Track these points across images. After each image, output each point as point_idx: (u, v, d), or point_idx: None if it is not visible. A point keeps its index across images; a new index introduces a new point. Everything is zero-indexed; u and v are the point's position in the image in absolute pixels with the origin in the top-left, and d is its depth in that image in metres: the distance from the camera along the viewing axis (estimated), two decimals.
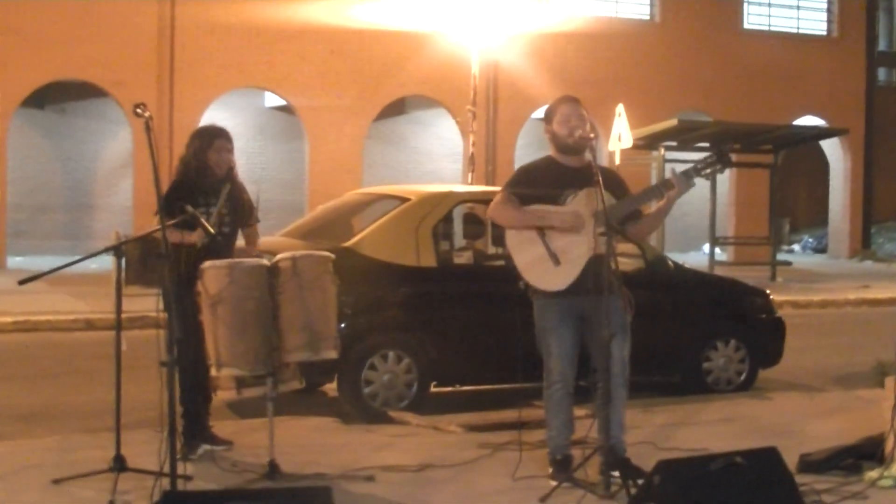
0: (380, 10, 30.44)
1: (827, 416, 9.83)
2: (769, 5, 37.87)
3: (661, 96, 32.73)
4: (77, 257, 8.15)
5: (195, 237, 7.80)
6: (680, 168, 7.62)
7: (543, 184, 7.37)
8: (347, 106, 30.90)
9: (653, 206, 7.53)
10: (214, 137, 8.30)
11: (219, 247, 7.99)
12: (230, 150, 8.34)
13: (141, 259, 8.12)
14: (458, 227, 12.01)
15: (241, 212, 8.41)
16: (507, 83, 31.80)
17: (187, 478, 6.83)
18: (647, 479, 6.14)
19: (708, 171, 7.57)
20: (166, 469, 6.12)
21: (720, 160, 7.70)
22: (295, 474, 7.35)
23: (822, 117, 36.94)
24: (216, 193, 8.18)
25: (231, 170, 8.35)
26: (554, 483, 7.10)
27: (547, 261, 7.21)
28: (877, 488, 7.17)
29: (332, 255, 7.58)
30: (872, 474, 7.38)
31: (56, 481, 7.20)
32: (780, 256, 30.21)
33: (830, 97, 37.64)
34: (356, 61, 30.60)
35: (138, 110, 6.47)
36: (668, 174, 7.68)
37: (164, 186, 7.29)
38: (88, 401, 9.98)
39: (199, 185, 8.15)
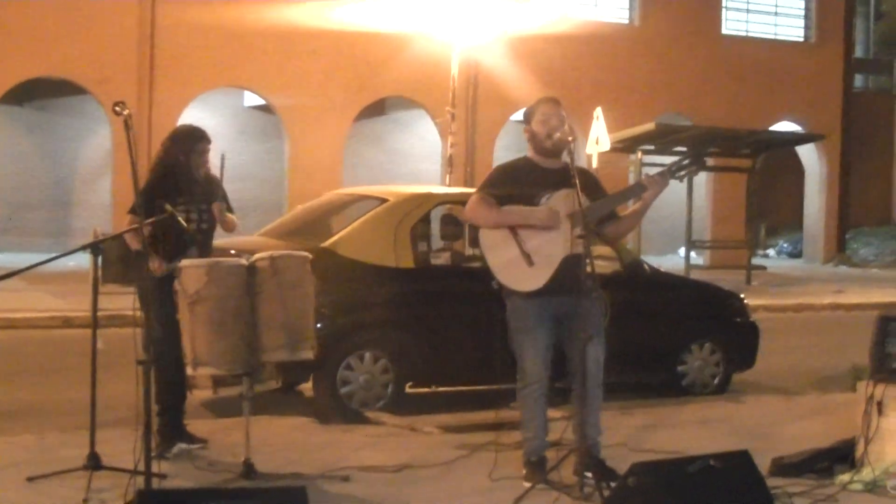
0: (360, 11, 30.43)
1: (801, 418, 9.88)
2: (748, 11, 38.08)
3: (639, 100, 32.82)
4: (54, 255, 8.13)
5: (155, 265, 7.77)
6: (654, 172, 7.64)
7: (520, 184, 7.36)
8: (327, 106, 30.90)
9: (629, 208, 7.55)
10: (196, 141, 8.30)
11: (198, 244, 8.00)
12: (208, 153, 8.34)
13: (120, 257, 8.09)
14: (436, 228, 12.02)
15: (220, 200, 8.39)
16: (487, 85, 31.84)
17: (162, 476, 6.84)
18: (621, 481, 6.15)
19: (683, 172, 7.60)
20: (141, 467, 6.11)
21: (695, 162, 7.76)
22: (271, 474, 7.34)
23: (799, 122, 37.14)
24: (193, 193, 8.18)
25: (208, 171, 8.36)
26: (528, 484, 7.12)
27: (521, 261, 7.21)
28: (848, 492, 7.22)
29: (311, 256, 7.58)
30: (844, 478, 7.43)
31: (31, 479, 7.17)
32: (756, 261, 30.34)
33: (808, 102, 37.83)
34: (336, 62, 30.62)
35: (118, 108, 6.46)
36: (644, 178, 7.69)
37: (143, 183, 7.29)
38: (65, 399, 9.96)
39: (179, 185, 8.14)
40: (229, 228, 8.47)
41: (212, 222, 8.32)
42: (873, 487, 7.27)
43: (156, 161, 8.34)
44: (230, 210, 8.50)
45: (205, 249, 8.06)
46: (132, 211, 7.63)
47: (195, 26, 28.95)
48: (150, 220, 7.43)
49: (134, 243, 7.63)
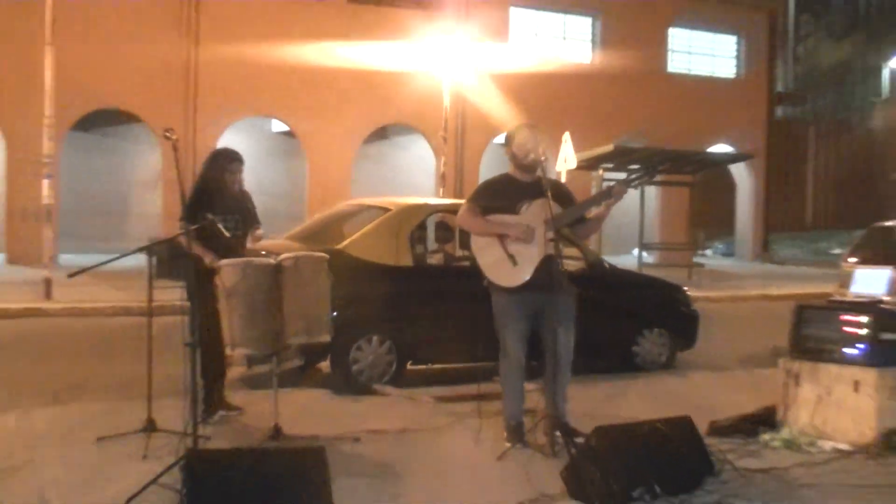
0: (368, 53, 30.46)
1: (732, 390, 9.90)
2: (689, 53, 38.19)
3: (600, 126, 32.76)
4: (114, 255, 8.15)
5: (209, 259, 7.80)
6: (613, 183, 7.66)
7: (502, 196, 7.38)
8: (339, 131, 30.95)
9: (593, 213, 7.57)
10: (230, 161, 8.30)
11: (233, 247, 8.01)
12: (242, 173, 8.35)
13: (169, 257, 8.10)
14: (431, 233, 12.03)
15: (249, 218, 8.41)
16: (473, 114, 31.89)
17: (206, 437, 6.87)
18: (585, 441, 6.17)
19: (637, 182, 7.66)
20: (189, 430, 6.12)
21: (647, 173, 7.84)
22: (295, 436, 7.36)
23: (731, 145, 37.23)
24: (228, 205, 8.19)
25: (241, 186, 8.37)
26: (508, 445, 7.15)
27: (506, 261, 7.23)
28: (769, 448, 7.27)
29: (327, 256, 7.59)
30: (766, 437, 7.50)
31: (100, 439, 7.23)
32: (697, 259, 30.32)
33: (738, 128, 38.02)
34: (347, 94, 30.61)
35: (167, 134, 6.47)
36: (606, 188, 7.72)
37: (188, 197, 7.30)
38: (126, 374, 9.93)
39: (217, 198, 8.16)
40: (256, 242, 8.49)
41: (244, 229, 8.32)
42: (790, 444, 7.32)
43: (198, 178, 8.34)
44: (257, 220, 8.51)
45: (239, 251, 8.07)
46: (182, 219, 7.66)
47: (231, 64, 28.96)
48: (194, 227, 7.44)
49: (197, 249, 7.65)
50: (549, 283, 7.04)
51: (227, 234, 7.92)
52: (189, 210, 7.74)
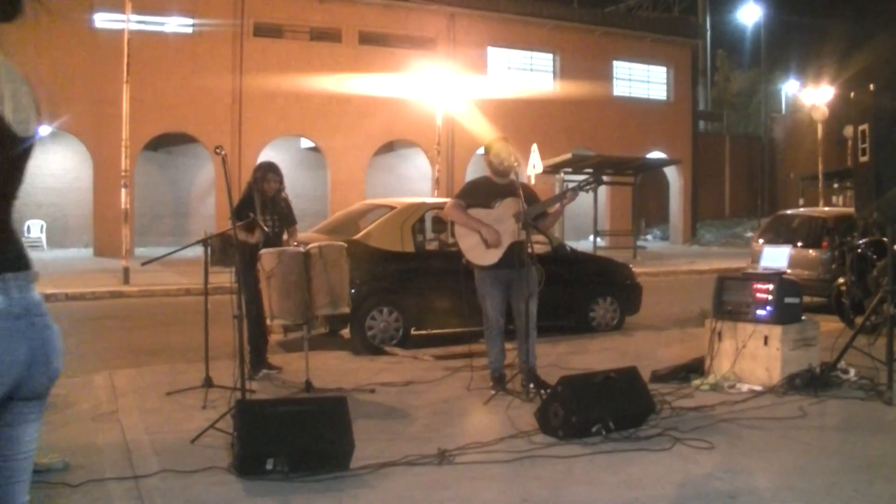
0: (376, 84, 30.48)
1: (669, 345, 9.90)
2: (630, 80, 38.16)
3: (560, 138, 32.85)
4: (178, 248, 8.15)
5: (255, 237, 7.80)
6: (571, 185, 7.64)
7: (482, 194, 7.39)
8: (354, 146, 30.94)
9: (553, 209, 7.55)
10: (267, 171, 8.26)
11: (272, 240, 7.99)
12: (278, 181, 8.27)
13: (221, 248, 8.07)
14: (428, 225, 11.99)
15: (286, 217, 8.37)
16: (460, 131, 31.88)
17: (251, 391, 6.82)
18: (552, 389, 6.14)
19: (588, 187, 7.62)
20: (238, 385, 6.09)
21: (596, 181, 7.82)
22: (323, 388, 7.34)
23: (664, 152, 37.20)
24: (267, 207, 8.15)
25: (279, 191, 8.31)
26: (493, 392, 7.12)
27: (482, 245, 7.23)
28: (699, 391, 7.25)
29: (345, 245, 7.56)
30: (696, 382, 7.48)
31: (168, 393, 7.24)
32: (639, 243, 30.35)
33: (669, 140, 38.10)
34: (361, 117, 30.62)
35: (217, 151, 6.41)
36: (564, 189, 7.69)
37: (235, 201, 7.26)
38: (187, 341, 9.92)
39: (258, 200, 8.13)
40: (293, 237, 8.44)
41: (280, 226, 8.28)
42: (715, 387, 7.31)
43: (246, 185, 8.32)
44: (294, 220, 8.45)
45: (277, 243, 8.03)
46: (232, 216, 7.66)
47: (269, 94, 29.02)
48: (240, 224, 7.41)
49: (241, 236, 7.61)
50: (516, 262, 7.07)
51: (265, 229, 7.94)
52: (238, 209, 7.84)
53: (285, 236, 8.35)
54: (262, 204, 8.13)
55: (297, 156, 33.35)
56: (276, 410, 5.10)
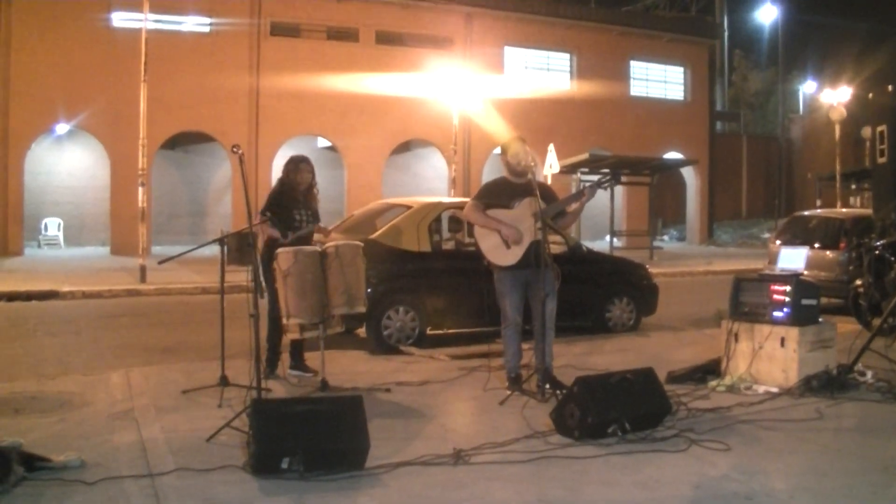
0: (393, 84, 30.51)
1: (685, 346, 9.86)
2: (647, 80, 38.03)
3: (578, 138, 32.78)
4: (194, 246, 8.16)
5: (281, 236, 7.75)
6: (587, 185, 7.62)
7: (499, 195, 7.37)
8: (371, 146, 30.99)
9: (572, 207, 7.53)
10: (299, 162, 8.20)
11: (303, 237, 7.93)
12: (310, 172, 8.22)
13: (237, 247, 8.06)
14: (444, 224, 11.98)
15: (316, 214, 8.32)
16: (476, 131, 31.80)
17: (268, 390, 6.83)
18: (568, 389, 6.13)
19: (605, 184, 7.61)
20: (254, 384, 6.10)
21: (613, 178, 7.79)
22: (338, 387, 7.37)
23: (681, 152, 37.05)
24: (298, 203, 8.09)
25: (311, 186, 8.26)
26: (509, 392, 7.11)
27: (502, 246, 7.22)
28: (715, 392, 7.22)
29: (362, 244, 7.55)
30: (713, 383, 7.45)
31: (184, 391, 7.26)
32: (655, 243, 30.25)
33: (686, 140, 37.97)
34: (378, 117, 30.67)
35: (234, 149, 6.42)
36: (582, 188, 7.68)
37: (253, 202, 7.24)
38: (204, 340, 9.96)
39: (290, 194, 8.08)
40: (326, 234, 8.37)
41: (311, 222, 8.19)
42: (732, 389, 7.28)
43: (278, 179, 8.26)
44: (318, 217, 8.35)
45: (307, 239, 7.98)
46: (263, 210, 7.70)
47: (285, 93, 29.08)
48: (256, 224, 7.40)
49: (265, 232, 7.66)
50: (535, 262, 7.05)
51: (296, 224, 7.92)
52: (269, 202, 7.93)
53: (321, 235, 8.25)
54: (294, 197, 8.03)
55: (314, 155, 32.84)
56: (292, 409, 5.11)
